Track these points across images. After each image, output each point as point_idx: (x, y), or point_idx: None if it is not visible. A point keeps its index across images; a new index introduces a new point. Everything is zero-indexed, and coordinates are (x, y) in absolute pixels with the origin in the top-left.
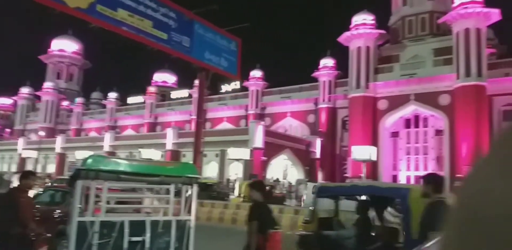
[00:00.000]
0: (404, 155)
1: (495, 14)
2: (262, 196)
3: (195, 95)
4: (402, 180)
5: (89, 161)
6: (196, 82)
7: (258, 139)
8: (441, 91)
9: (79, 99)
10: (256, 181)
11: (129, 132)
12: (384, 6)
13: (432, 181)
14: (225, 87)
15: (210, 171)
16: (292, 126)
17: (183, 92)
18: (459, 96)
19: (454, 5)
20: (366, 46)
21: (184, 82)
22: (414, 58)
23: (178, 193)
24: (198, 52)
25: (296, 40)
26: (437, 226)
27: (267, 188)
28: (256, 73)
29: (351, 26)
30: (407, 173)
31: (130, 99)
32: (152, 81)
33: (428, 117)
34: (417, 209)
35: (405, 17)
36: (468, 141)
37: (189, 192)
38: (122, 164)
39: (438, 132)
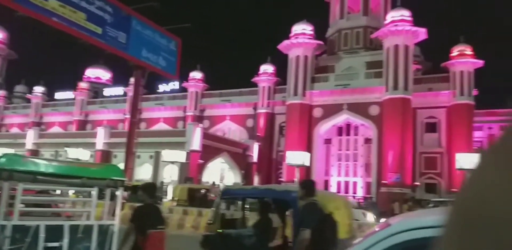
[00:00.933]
0: (336, 161)
1: (422, 33)
2: (150, 197)
3: (131, 93)
4: (333, 184)
5: (2, 160)
6: (132, 80)
7: (196, 141)
8: (371, 102)
9: (0, 92)
10: (147, 184)
11: (56, 129)
12: (323, 18)
13: (305, 186)
14: (163, 87)
15: (143, 173)
16: (231, 129)
17: (118, 90)
18: (387, 107)
19: (386, 22)
20: (305, 56)
21: (119, 79)
22: (348, 69)
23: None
24: (135, 49)
25: (238, 44)
26: (307, 224)
27: (203, 191)
28: (196, 74)
29: (291, 35)
30: (338, 179)
31: (59, 95)
32: (84, 76)
33: (359, 126)
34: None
35: (342, 30)
36: (394, 150)
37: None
38: (40, 164)
39: (368, 140)
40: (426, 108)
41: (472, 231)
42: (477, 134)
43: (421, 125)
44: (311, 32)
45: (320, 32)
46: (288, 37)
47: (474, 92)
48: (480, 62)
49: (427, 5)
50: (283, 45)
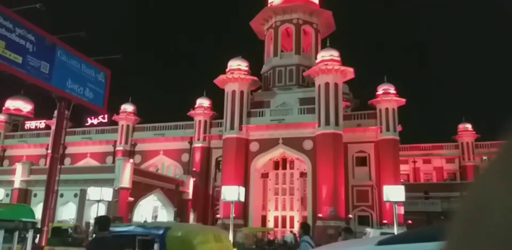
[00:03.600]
0: (273, 195)
1: (349, 72)
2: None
3: (54, 127)
4: (270, 219)
5: None
6: (56, 112)
7: (126, 178)
8: (305, 137)
9: None
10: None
11: None
12: (258, 54)
13: (98, 221)
14: (91, 120)
15: (66, 213)
16: (164, 165)
17: (40, 123)
18: (320, 142)
19: (317, 61)
20: (240, 91)
21: (41, 112)
22: (282, 105)
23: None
24: (59, 80)
25: (172, 77)
26: None
27: (70, 230)
28: (128, 107)
29: (227, 70)
30: (275, 213)
31: None
32: (3, 108)
33: (294, 160)
34: (175, 246)
35: (276, 67)
36: (327, 183)
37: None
38: None
39: (303, 174)
40: (356, 143)
41: (474, 238)
42: (403, 167)
43: (352, 158)
44: (247, 68)
45: (255, 68)
46: (224, 72)
47: (399, 128)
48: (402, 100)
49: (353, 46)
50: (219, 80)
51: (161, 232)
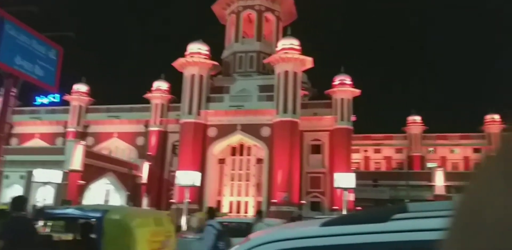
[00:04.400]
0: (229, 180)
1: (309, 62)
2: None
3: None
4: (225, 204)
5: None
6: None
7: (76, 160)
8: (263, 124)
9: None
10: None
11: None
12: (219, 39)
13: (13, 201)
14: (41, 100)
15: (12, 195)
16: (118, 148)
17: None
18: (277, 129)
19: (278, 49)
20: (200, 75)
21: None
22: (242, 91)
23: None
24: (7, 56)
25: (130, 58)
26: (1, 236)
27: None
28: (81, 87)
29: (186, 53)
30: (231, 198)
31: None
32: None
33: (252, 147)
34: (113, 229)
35: (236, 53)
36: (283, 169)
37: None
38: None
39: (259, 160)
40: (312, 131)
41: (473, 235)
42: (355, 156)
43: (307, 146)
44: (207, 52)
45: (215, 53)
46: (183, 55)
47: (353, 118)
48: (357, 91)
49: (314, 36)
50: (178, 63)
51: (98, 215)
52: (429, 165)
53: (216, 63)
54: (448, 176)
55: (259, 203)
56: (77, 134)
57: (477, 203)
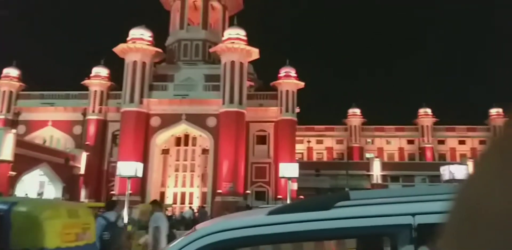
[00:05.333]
0: (173, 171)
1: (255, 53)
2: None
3: None
4: (169, 196)
5: None
6: None
7: (6, 150)
8: (209, 114)
9: None
10: None
11: None
12: (163, 24)
13: None
14: None
15: None
16: (53, 137)
17: None
18: (223, 120)
19: (224, 38)
20: (142, 62)
21: None
22: (187, 80)
23: None
24: None
25: (67, 41)
26: None
27: None
28: (11, 71)
29: (128, 38)
30: (175, 189)
31: None
32: None
33: (197, 137)
34: (21, 222)
35: (181, 40)
36: (228, 160)
37: None
38: None
39: (205, 151)
40: (257, 122)
41: (473, 224)
42: (298, 147)
43: (253, 137)
44: (150, 39)
45: (159, 39)
46: (125, 41)
47: (297, 109)
48: (301, 84)
49: (261, 27)
50: (119, 49)
51: (5, 207)
52: (368, 155)
53: (160, 50)
54: (384, 166)
55: (204, 194)
56: (7, 122)
57: (471, 206)
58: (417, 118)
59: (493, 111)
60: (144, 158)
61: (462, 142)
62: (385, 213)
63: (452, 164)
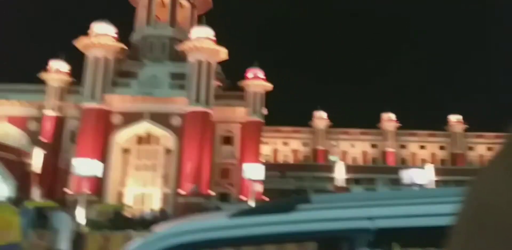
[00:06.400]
0: (134, 171)
1: (223, 53)
2: None
3: None
4: (128, 196)
5: None
6: None
7: None
8: (173, 113)
9: None
10: None
11: None
12: (127, 19)
13: None
14: None
15: None
16: (6, 133)
17: None
18: (189, 119)
19: (191, 36)
20: (105, 57)
21: None
22: (152, 78)
23: None
24: None
25: (23, 32)
26: None
27: None
28: None
29: (91, 33)
30: (135, 190)
31: None
32: None
33: (160, 136)
34: None
35: (147, 37)
36: (192, 161)
37: None
38: None
39: (168, 151)
40: (224, 122)
41: (481, 224)
42: (264, 148)
43: (219, 138)
44: (115, 35)
45: (122, 34)
46: (86, 34)
47: (264, 111)
48: (269, 85)
49: (230, 27)
50: (81, 43)
51: None
52: (332, 158)
53: (124, 47)
54: (348, 169)
55: (166, 195)
56: None
57: (480, 204)
58: (381, 123)
59: (453, 118)
60: (103, 156)
61: (423, 147)
62: (344, 217)
63: (413, 168)
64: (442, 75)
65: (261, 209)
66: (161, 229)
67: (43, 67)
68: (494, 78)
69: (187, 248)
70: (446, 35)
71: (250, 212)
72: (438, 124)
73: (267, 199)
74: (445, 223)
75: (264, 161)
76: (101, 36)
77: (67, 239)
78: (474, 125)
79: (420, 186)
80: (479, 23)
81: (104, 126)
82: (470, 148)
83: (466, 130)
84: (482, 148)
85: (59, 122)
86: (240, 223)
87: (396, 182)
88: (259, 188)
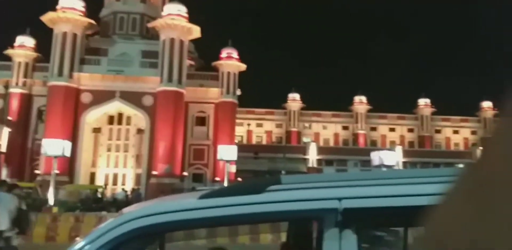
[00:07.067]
0: (105, 151)
1: (196, 31)
2: None
3: None
4: (100, 177)
5: None
6: None
7: None
8: (145, 92)
9: None
10: None
11: None
12: None
13: None
14: None
15: None
16: None
17: None
18: (161, 99)
19: (163, 13)
20: (73, 33)
21: None
22: (122, 55)
23: None
24: None
25: None
26: None
27: None
28: None
29: (58, 7)
30: (107, 170)
31: None
32: None
33: (132, 116)
34: None
35: (117, 13)
36: (165, 141)
37: None
38: None
39: (140, 131)
40: (197, 103)
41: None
42: (238, 129)
43: (192, 118)
44: (83, 9)
45: (92, 10)
46: (54, 9)
47: (238, 92)
48: (243, 66)
49: (204, 5)
50: (47, 18)
51: None
52: (305, 139)
53: (93, 22)
54: (320, 150)
55: (138, 175)
56: None
57: (440, 238)
58: (353, 105)
59: (421, 101)
60: (73, 136)
61: (392, 129)
62: (313, 198)
63: (382, 150)
64: (414, 61)
65: (231, 190)
66: (129, 210)
67: (10, 43)
68: (462, 65)
69: (155, 229)
70: (422, 22)
71: (219, 193)
72: (408, 107)
73: (240, 179)
74: (412, 203)
75: (238, 142)
76: (68, 11)
77: (7, 219)
78: (441, 108)
79: (389, 167)
80: (461, 14)
81: (73, 104)
82: (437, 131)
83: (434, 113)
84: (449, 131)
85: (26, 100)
86: (209, 204)
87: (367, 163)
88: (233, 169)
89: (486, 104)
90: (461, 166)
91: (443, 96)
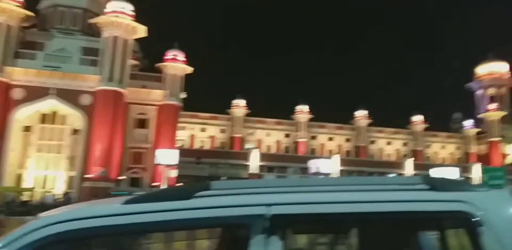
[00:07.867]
0: (35, 152)
1: (142, 30)
2: None
3: None
4: (28, 179)
5: None
6: None
7: None
8: (83, 90)
9: None
10: None
11: None
12: None
13: None
14: None
15: None
16: None
17: None
18: (100, 98)
19: (107, 10)
20: (7, 24)
21: None
22: (61, 51)
23: None
24: None
25: None
26: None
27: None
28: None
29: None
30: (36, 172)
31: None
32: None
33: (67, 115)
34: None
35: (58, 6)
36: (102, 143)
37: None
38: None
39: (75, 131)
40: (139, 104)
41: None
42: (180, 133)
43: (132, 120)
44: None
45: (31, 1)
46: None
47: (183, 95)
48: (190, 69)
49: (152, 4)
50: None
51: None
52: (247, 146)
53: (30, 13)
54: (263, 157)
55: (71, 178)
56: None
57: None
58: (294, 114)
59: (358, 113)
60: (0, 134)
61: (331, 139)
62: (241, 204)
63: (321, 158)
64: (356, 74)
65: (158, 195)
66: (46, 215)
67: None
68: (400, 80)
69: (73, 235)
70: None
71: (146, 198)
72: (346, 118)
73: (182, 184)
74: (340, 210)
75: (180, 146)
76: (4, 0)
77: None
78: (378, 120)
79: (325, 175)
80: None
81: (2, 99)
82: (372, 142)
83: (370, 125)
84: (382, 142)
85: None
86: (134, 209)
87: (306, 171)
88: (173, 173)
89: (417, 118)
90: (392, 175)
91: (380, 108)
